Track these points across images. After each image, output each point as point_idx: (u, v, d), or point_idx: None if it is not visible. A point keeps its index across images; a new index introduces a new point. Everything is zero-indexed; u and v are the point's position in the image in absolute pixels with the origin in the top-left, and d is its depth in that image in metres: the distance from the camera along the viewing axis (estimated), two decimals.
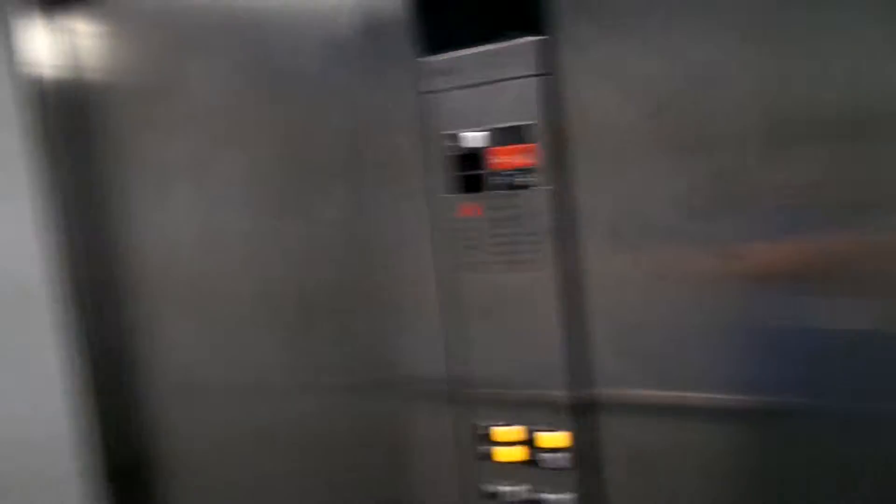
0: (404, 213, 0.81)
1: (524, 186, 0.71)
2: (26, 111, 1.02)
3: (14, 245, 1.03)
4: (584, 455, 0.73)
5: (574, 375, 0.72)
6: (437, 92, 0.74)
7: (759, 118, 0.62)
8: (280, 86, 0.87)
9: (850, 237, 0.61)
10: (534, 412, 0.74)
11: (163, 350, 1.04)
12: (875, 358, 0.61)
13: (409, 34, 0.75)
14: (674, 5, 0.64)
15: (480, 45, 0.71)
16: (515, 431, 0.75)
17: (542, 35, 0.69)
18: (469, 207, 0.75)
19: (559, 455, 0.73)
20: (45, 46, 1.04)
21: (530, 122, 0.70)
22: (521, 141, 0.71)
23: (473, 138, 0.73)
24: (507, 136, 0.71)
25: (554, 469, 0.74)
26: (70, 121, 1.05)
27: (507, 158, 0.72)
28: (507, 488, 0.77)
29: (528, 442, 0.75)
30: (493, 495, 0.77)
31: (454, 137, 0.74)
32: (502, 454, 0.76)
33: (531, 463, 0.75)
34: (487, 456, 0.77)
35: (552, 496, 0.74)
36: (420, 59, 0.75)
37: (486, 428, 0.77)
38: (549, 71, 0.69)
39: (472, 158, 0.74)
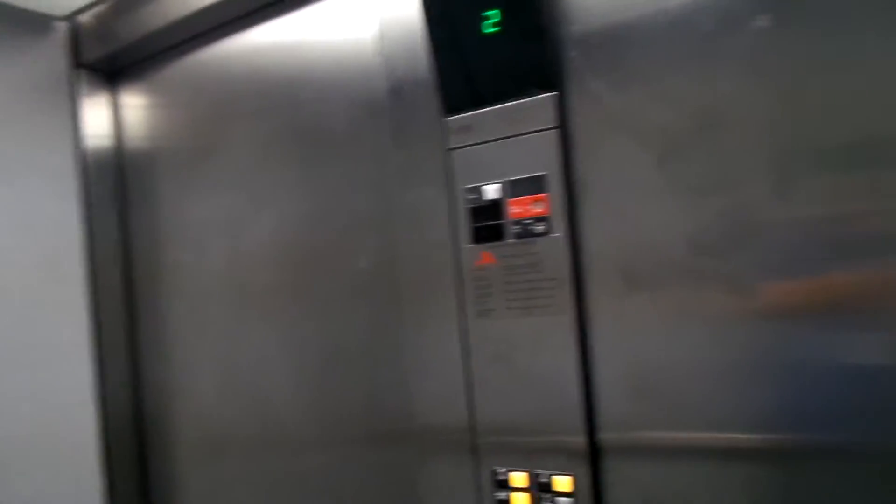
0: (433, 264, 0.84)
1: (540, 234, 0.74)
2: (83, 180, 1.10)
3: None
4: (603, 499, 0.72)
5: (592, 420, 0.72)
6: (460, 148, 0.79)
7: (767, 155, 0.63)
8: (313, 145, 0.95)
9: (864, 270, 0.60)
10: (551, 457, 0.74)
11: (184, 407, 1.07)
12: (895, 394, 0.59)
13: (435, 95, 0.81)
14: (677, 53, 0.67)
15: (500, 102, 0.76)
16: (533, 476, 0.75)
17: (557, 91, 0.73)
18: (489, 255, 0.78)
19: (577, 500, 0.72)
20: (103, 119, 1.15)
21: (545, 173, 0.73)
22: (537, 191, 0.74)
23: (493, 190, 0.77)
24: (524, 186, 0.75)
25: None
26: (116, 184, 1.14)
27: (523, 208, 0.75)
28: None
29: (547, 487, 0.74)
30: None
31: (476, 190, 0.78)
32: (520, 501, 0.75)
33: None
34: (506, 502, 0.76)
35: None
36: (445, 119, 0.80)
37: (506, 473, 0.76)
38: (562, 123, 0.73)
39: (492, 209, 0.77)
